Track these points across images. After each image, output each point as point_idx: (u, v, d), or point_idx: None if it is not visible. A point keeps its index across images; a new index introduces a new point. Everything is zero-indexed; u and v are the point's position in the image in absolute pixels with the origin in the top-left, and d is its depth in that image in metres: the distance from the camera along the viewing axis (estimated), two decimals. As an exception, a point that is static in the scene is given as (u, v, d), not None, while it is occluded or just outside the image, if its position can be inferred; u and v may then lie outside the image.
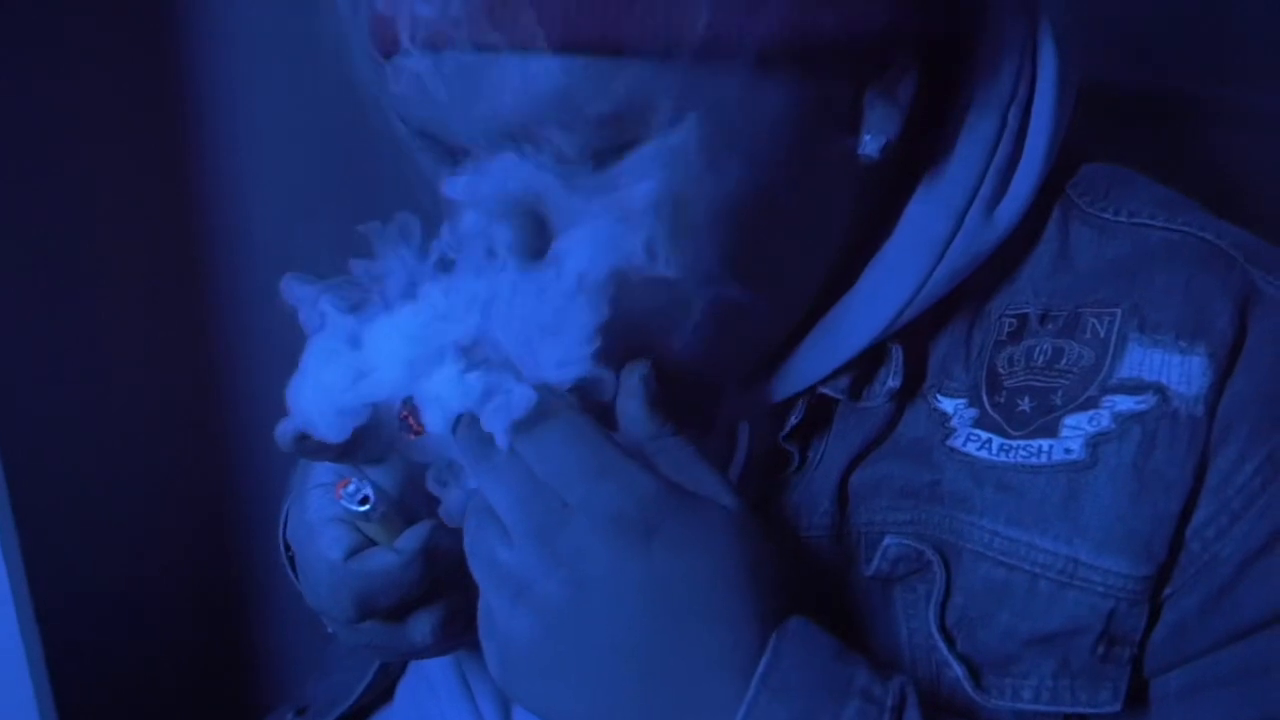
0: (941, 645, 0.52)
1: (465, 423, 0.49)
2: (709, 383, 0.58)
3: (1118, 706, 0.50)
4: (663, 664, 0.47)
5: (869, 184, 0.53)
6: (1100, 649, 0.49)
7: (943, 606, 0.52)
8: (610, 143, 0.47)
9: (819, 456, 0.58)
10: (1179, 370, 0.50)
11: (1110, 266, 0.54)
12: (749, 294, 0.50)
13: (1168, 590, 0.50)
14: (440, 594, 0.57)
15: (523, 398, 0.48)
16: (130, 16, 0.92)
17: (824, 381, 0.57)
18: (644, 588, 0.47)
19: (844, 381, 0.56)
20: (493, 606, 0.49)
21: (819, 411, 0.57)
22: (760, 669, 0.46)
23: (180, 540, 1.06)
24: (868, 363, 0.56)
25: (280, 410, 0.51)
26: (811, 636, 0.48)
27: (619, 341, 0.49)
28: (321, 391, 0.49)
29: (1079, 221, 0.55)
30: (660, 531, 0.47)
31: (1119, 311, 0.52)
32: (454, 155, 0.52)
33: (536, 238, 0.50)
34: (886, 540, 0.54)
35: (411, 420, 0.52)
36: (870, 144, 0.51)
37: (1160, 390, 0.50)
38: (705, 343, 0.51)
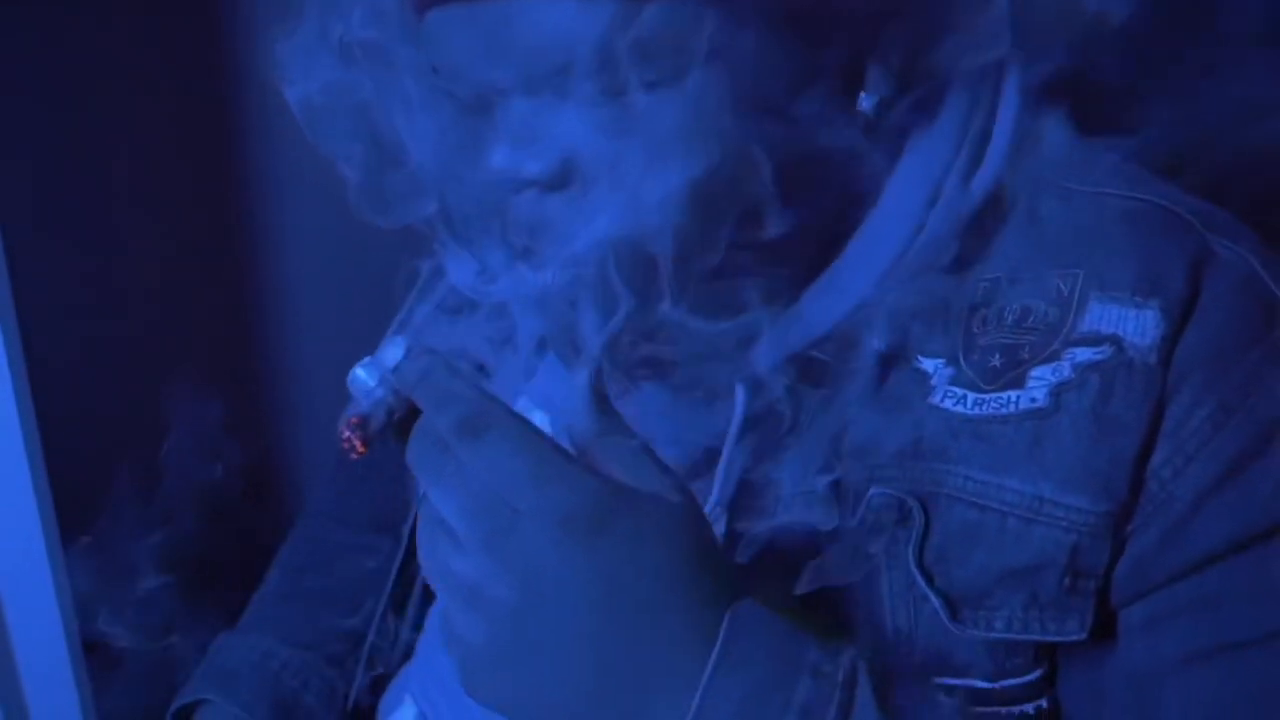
0: (920, 581, 0.55)
1: (416, 434, 0.50)
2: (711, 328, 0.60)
3: (1083, 635, 0.54)
4: (617, 657, 0.48)
5: (861, 148, 0.57)
6: (1066, 581, 0.53)
7: (921, 547, 0.56)
8: (640, 80, 0.51)
9: (811, 418, 0.61)
10: (1134, 323, 0.54)
11: (1074, 232, 0.57)
12: (759, 232, 0.54)
13: (1129, 528, 0.53)
14: None
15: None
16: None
17: (814, 344, 0.60)
18: (593, 585, 0.48)
19: (832, 345, 0.60)
20: (450, 614, 0.51)
21: (810, 374, 0.61)
22: (715, 651, 0.48)
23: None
24: (855, 327, 0.59)
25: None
26: (762, 618, 0.50)
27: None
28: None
29: (1047, 192, 0.59)
30: (608, 530, 0.48)
31: (1081, 273, 0.56)
32: (487, 103, 0.55)
33: (571, 174, 0.54)
34: (871, 491, 0.57)
35: (354, 439, 0.52)
36: (865, 101, 0.56)
37: (1116, 341, 0.54)
38: (715, 280, 0.55)
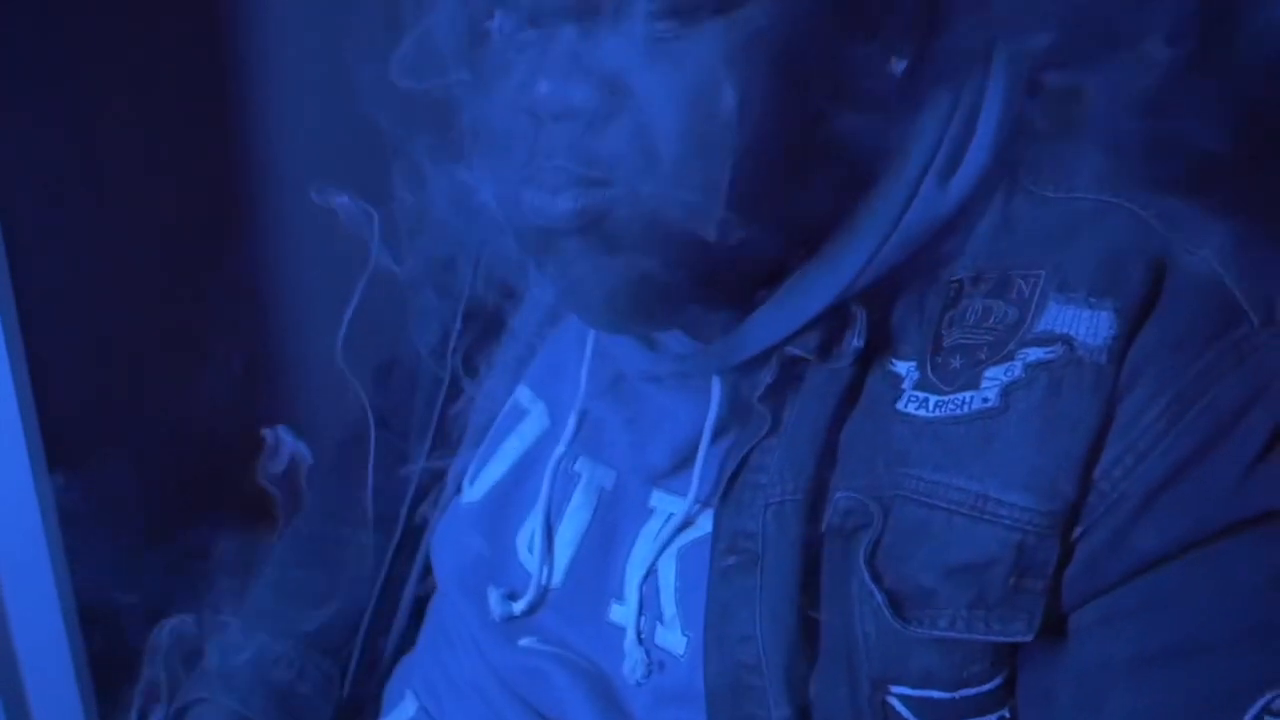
0: (868, 578, 0.55)
1: None
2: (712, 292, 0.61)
3: (1029, 636, 0.53)
4: None
5: (879, 120, 0.58)
6: (1012, 580, 0.53)
7: (875, 547, 0.56)
8: (686, 6, 0.52)
9: (791, 420, 0.61)
10: (1087, 323, 0.53)
11: (1042, 234, 0.58)
12: (765, 195, 0.55)
13: (1080, 529, 0.53)
14: None
15: None
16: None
17: (792, 340, 0.60)
18: None
19: (813, 341, 0.60)
20: None
21: (790, 374, 0.61)
22: None
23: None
24: (835, 325, 0.60)
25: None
26: None
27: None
28: None
29: (1022, 198, 0.59)
30: None
31: (1043, 273, 0.56)
32: (523, 24, 0.56)
33: (610, 100, 0.54)
34: (837, 495, 0.57)
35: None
36: (897, 65, 0.57)
37: (1068, 341, 0.53)
38: (718, 239, 0.55)
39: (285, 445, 0.60)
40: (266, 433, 0.70)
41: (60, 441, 0.93)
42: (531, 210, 0.57)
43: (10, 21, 0.95)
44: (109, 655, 0.95)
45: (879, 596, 0.55)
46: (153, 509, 0.86)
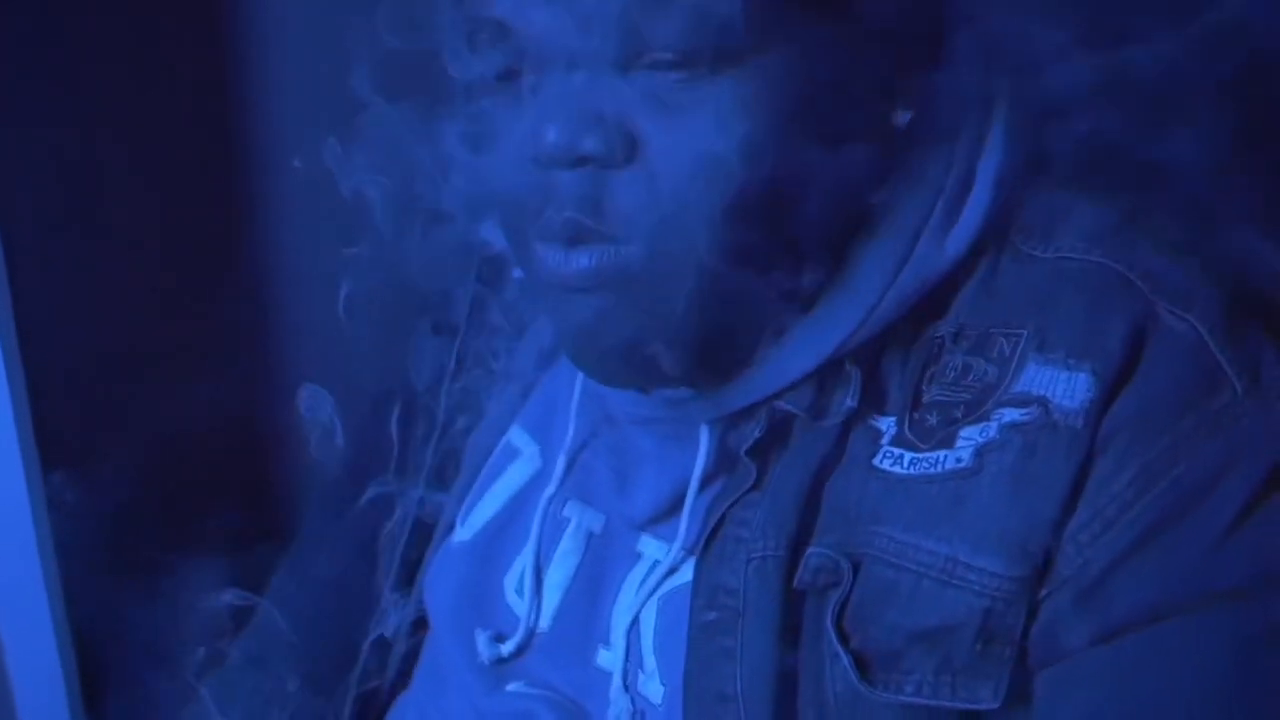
0: (834, 639, 0.55)
1: None
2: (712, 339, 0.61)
3: (996, 704, 0.52)
4: None
5: (864, 177, 0.58)
6: (978, 646, 0.52)
7: (843, 606, 0.55)
8: (699, 57, 0.52)
9: (776, 475, 0.60)
10: (1064, 385, 0.53)
11: (1026, 293, 0.57)
12: (773, 249, 0.55)
13: (1045, 590, 0.52)
14: None
15: None
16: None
17: (782, 395, 0.60)
18: None
19: (806, 398, 0.60)
20: None
21: (779, 429, 0.61)
22: None
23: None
24: (827, 381, 0.60)
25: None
26: None
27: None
28: None
29: (1010, 257, 0.59)
30: None
31: (1025, 333, 0.55)
32: (528, 74, 0.56)
33: (620, 151, 0.54)
34: (809, 552, 0.57)
35: None
36: (902, 117, 0.57)
37: (1044, 403, 0.53)
38: (726, 288, 0.55)
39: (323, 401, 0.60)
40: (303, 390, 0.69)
41: (57, 447, 0.93)
42: (545, 268, 0.57)
43: (9, 25, 0.96)
44: (100, 661, 0.96)
45: (844, 658, 0.54)
46: (150, 514, 0.87)
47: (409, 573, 0.79)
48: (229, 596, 0.78)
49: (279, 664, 0.82)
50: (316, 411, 0.68)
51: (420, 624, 0.80)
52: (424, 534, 0.78)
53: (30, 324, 0.92)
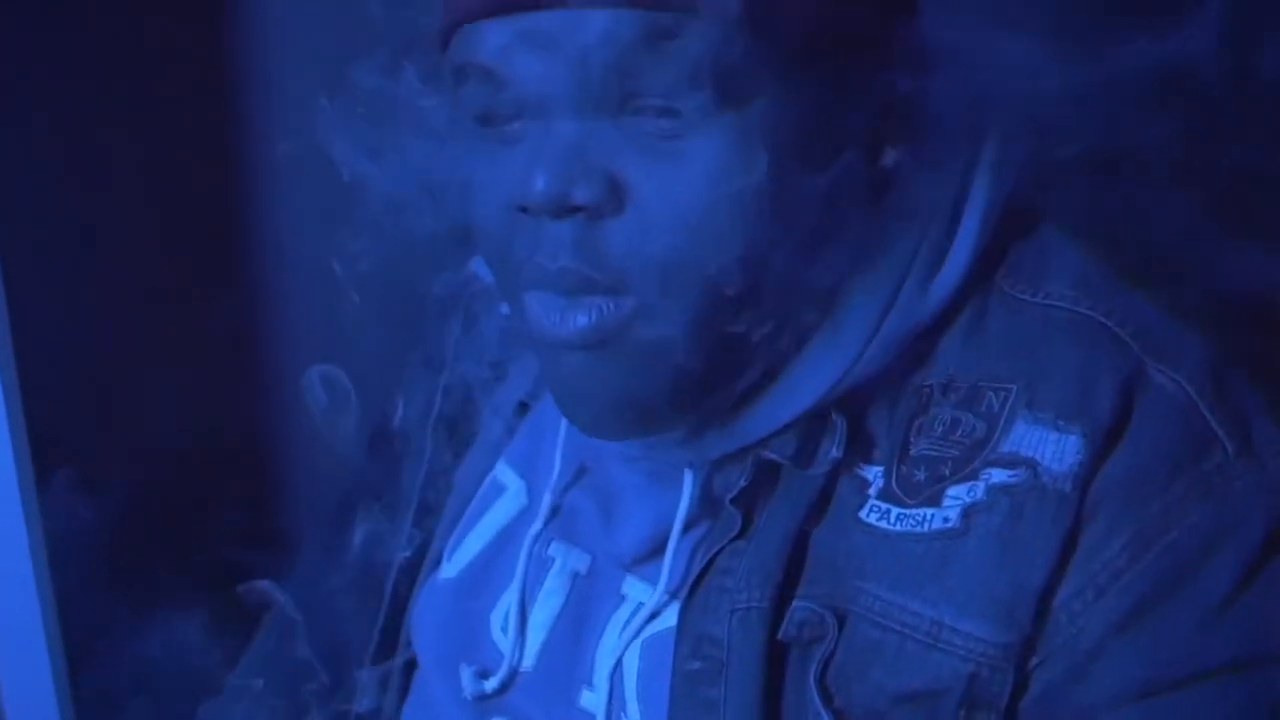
0: (817, 699, 0.54)
1: None
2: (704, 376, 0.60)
3: None
4: None
5: (852, 220, 0.57)
6: (962, 713, 0.52)
7: (826, 664, 0.55)
8: (688, 104, 0.51)
9: (761, 524, 0.60)
10: (1053, 447, 0.52)
11: (1015, 343, 0.56)
12: (765, 297, 0.54)
13: (1036, 660, 0.52)
14: None
15: None
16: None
17: (767, 444, 0.60)
18: None
19: (791, 447, 0.59)
20: None
21: (765, 477, 0.60)
22: None
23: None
24: (812, 430, 0.59)
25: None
26: None
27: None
28: None
29: (996, 300, 0.58)
30: None
31: (1014, 388, 0.55)
32: (515, 125, 0.55)
33: (615, 199, 0.53)
34: (795, 605, 0.57)
35: None
36: (889, 157, 0.56)
37: (1032, 465, 0.52)
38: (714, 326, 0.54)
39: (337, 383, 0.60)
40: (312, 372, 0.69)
41: (52, 450, 0.93)
42: (540, 325, 0.56)
43: (7, 26, 0.96)
44: (91, 665, 0.96)
45: (825, 717, 0.54)
46: (145, 518, 0.87)
47: (400, 608, 0.79)
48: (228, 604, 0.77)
49: (269, 701, 0.81)
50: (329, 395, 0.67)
51: (412, 662, 0.80)
52: (412, 569, 0.77)
53: (25, 327, 0.92)
